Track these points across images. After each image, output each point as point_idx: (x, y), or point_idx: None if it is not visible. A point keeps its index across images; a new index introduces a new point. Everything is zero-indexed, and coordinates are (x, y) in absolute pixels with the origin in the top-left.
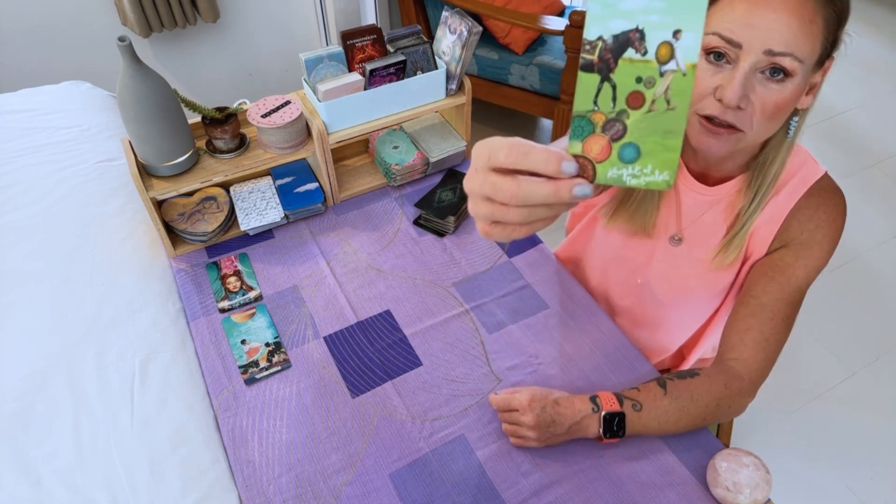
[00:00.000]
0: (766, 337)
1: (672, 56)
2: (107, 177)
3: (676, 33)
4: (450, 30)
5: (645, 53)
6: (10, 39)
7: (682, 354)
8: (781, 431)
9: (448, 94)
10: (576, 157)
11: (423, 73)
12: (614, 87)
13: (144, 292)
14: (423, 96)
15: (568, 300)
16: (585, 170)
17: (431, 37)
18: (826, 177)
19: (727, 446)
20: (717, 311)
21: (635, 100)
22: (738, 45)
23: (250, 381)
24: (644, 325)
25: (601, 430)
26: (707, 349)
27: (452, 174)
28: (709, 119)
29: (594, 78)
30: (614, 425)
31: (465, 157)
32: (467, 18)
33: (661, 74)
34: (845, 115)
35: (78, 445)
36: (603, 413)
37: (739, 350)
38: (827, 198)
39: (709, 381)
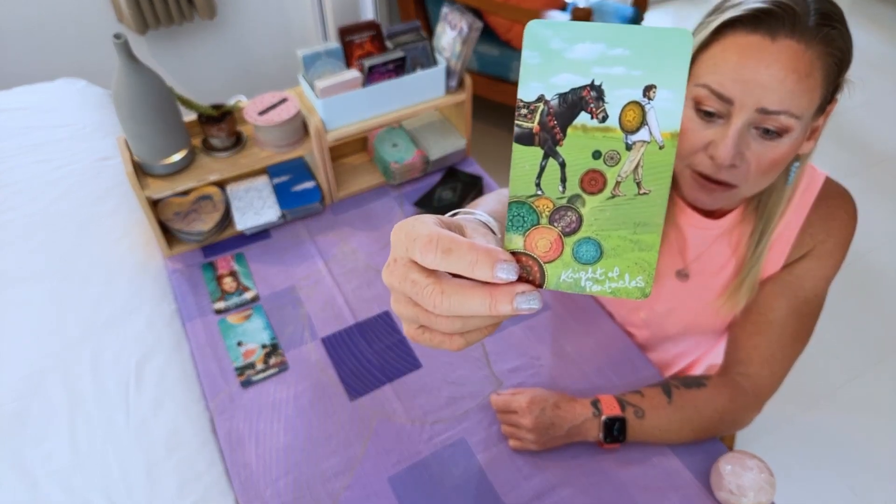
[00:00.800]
0: (772, 353)
1: (643, 122)
2: (103, 175)
3: (648, 90)
4: (450, 26)
5: (604, 119)
6: (6, 37)
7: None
8: (785, 434)
9: (448, 91)
10: (516, 254)
11: (422, 69)
12: (563, 165)
13: (140, 293)
14: (422, 93)
15: (569, 301)
16: (531, 272)
17: (431, 33)
18: (828, 181)
19: (731, 449)
20: (721, 337)
21: (593, 182)
22: (729, 101)
23: (247, 384)
24: (649, 353)
25: (601, 436)
26: (714, 359)
27: (452, 173)
28: (701, 174)
29: (535, 153)
30: (614, 430)
31: (465, 154)
32: (468, 14)
33: (629, 147)
34: (847, 115)
35: (74, 447)
36: (603, 418)
37: (746, 366)
38: (836, 205)
39: (715, 392)
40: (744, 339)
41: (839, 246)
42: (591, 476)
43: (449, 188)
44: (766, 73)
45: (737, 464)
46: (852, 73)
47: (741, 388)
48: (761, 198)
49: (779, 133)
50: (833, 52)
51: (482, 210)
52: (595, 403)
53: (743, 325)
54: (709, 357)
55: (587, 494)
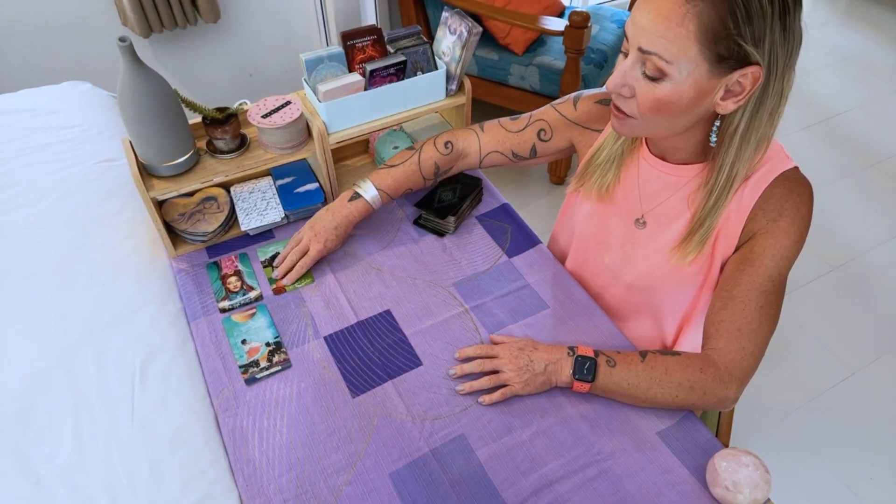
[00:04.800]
0: (738, 327)
1: None
2: (107, 177)
3: None
4: (450, 30)
5: None
6: (11, 39)
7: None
8: (781, 431)
9: (448, 94)
10: None
11: (423, 73)
12: None
13: (144, 292)
14: (423, 97)
15: (567, 300)
16: None
17: (431, 37)
18: (794, 170)
19: (727, 446)
20: (693, 307)
21: None
22: (627, 39)
23: (251, 381)
24: (619, 315)
25: (572, 371)
26: (691, 348)
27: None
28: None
29: None
30: (585, 368)
31: None
32: (467, 19)
33: None
34: (845, 115)
35: (78, 445)
36: (576, 356)
37: (715, 341)
38: (790, 188)
39: (686, 360)
40: (712, 316)
41: (794, 226)
42: (588, 471)
43: (449, 189)
44: (648, 16)
45: (733, 460)
46: (851, 68)
47: (711, 361)
48: (716, 159)
49: (657, 74)
50: (714, 11)
51: (384, 186)
52: (571, 347)
53: (713, 303)
54: (681, 345)
55: (585, 490)
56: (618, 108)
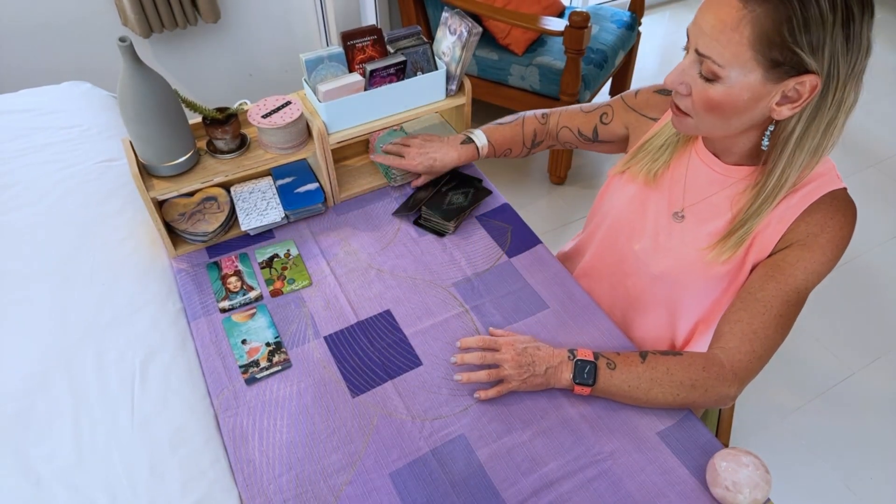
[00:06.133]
0: (754, 329)
1: None
2: (107, 177)
3: None
4: (450, 30)
5: None
6: (11, 39)
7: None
8: (781, 431)
9: (448, 94)
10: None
11: (423, 73)
12: None
13: (145, 292)
14: (423, 97)
15: (567, 300)
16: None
17: (431, 37)
18: (843, 191)
19: (726, 446)
20: (713, 310)
21: None
22: (688, 38)
23: (251, 381)
24: (637, 305)
25: (572, 376)
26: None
27: (452, 174)
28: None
29: None
30: (585, 372)
31: None
32: (467, 19)
33: None
34: None
35: (78, 445)
36: (576, 360)
37: (726, 339)
38: (837, 207)
39: (688, 360)
40: (729, 315)
41: (832, 244)
42: (588, 471)
43: (461, 193)
44: (705, 18)
45: (732, 460)
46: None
47: (717, 360)
48: (768, 163)
49: (711, 76)
50: (769, 17)
51: (493, 139)
52: (571, 350)
53: (733, 303)
54: (694, 345)
55: (585, 490)
56: (676, 105)
